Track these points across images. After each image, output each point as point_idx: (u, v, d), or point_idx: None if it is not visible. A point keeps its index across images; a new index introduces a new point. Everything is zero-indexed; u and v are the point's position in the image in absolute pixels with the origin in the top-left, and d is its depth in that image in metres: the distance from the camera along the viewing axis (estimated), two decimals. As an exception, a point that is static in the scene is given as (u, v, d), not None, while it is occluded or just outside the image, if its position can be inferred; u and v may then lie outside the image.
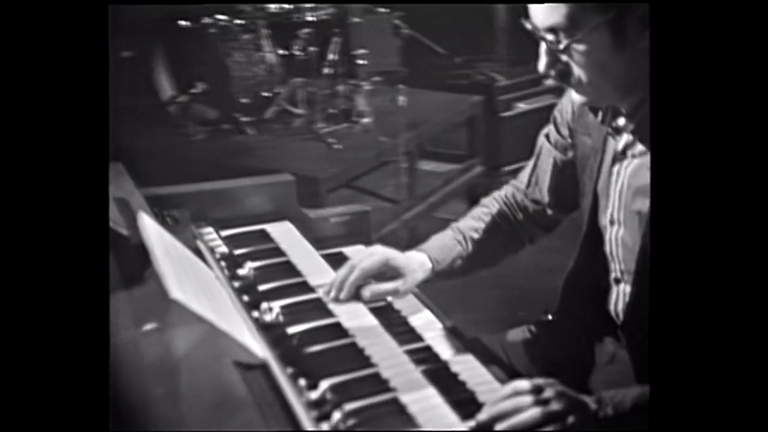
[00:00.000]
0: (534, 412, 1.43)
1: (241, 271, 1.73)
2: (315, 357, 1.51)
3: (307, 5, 4.59)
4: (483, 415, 1.44)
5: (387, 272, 1.75)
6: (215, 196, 2.04)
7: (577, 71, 1.52)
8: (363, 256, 1.75)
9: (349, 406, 1.37)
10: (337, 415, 1.30)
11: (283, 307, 1.64)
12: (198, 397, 1.16)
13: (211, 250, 1.78)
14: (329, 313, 1.67)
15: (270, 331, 1.53)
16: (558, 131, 1.83)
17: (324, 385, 1.36)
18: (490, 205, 1.94)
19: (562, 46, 1.49)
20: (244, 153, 4.34)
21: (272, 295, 1.71)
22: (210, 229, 1.94)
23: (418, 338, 1.71)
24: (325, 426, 1.28)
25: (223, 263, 1.74)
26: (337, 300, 1.69)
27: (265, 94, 4.59)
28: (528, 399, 1.44)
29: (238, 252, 1.88)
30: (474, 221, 1.91)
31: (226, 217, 2.01)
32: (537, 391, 1.46)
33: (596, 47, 1.47)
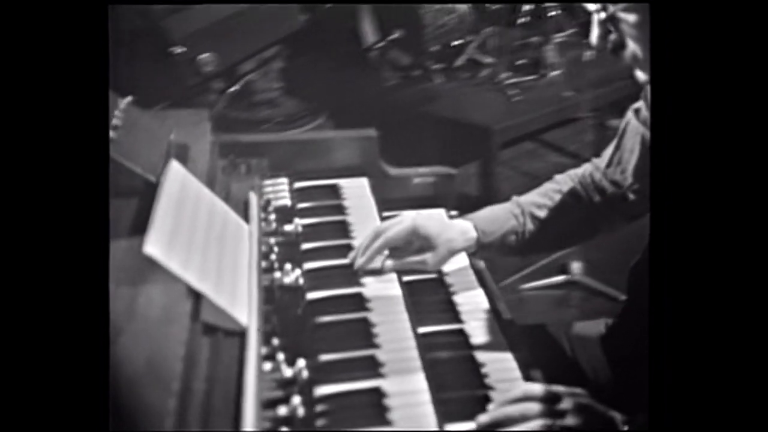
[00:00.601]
0: (540, 424, 1.21)
1: (288, 227, 1.60)
2: (315, 329, 1.36)
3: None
4: (485, 417, 1.25)
5: (415, 242, 1.55)
6: (297, 146, 1.91)
7: (632, 46, 1.26)
8: (390, 223, 1.56)
9: (321, 390, 1.22)
10: (296, 400, 1.14)
11: (308, 271, 1.50)
12: (127, 363, 1.05)
13: (267, 203, 1.66)
14: (356, 281, 1.50)
15: (283, 295, 1.39)
16: (649, 107, 1.51)
17: (301, 363, 1.21)
18: (562, 182, 1.67)
19: (604, 15, 1.25)
20: (429, 100, 4.23)
21: (312, 255, 1.58)
22: (283, 180, 1.83)
23: (456, 320, 1.51)
24: (282, 410, 1.13)
25: (273, 216, 1.62)
26: (358, 268, 1.52)
27: (456, 42, 4.39)
28: (537, 407, 1.23)
29: (301, 206, 1.75)
30: (539, 197, 1.65)
31: (306, 169, 1.89)
32: (552, 399, 1.24)
33: (648, 19, 1.20)
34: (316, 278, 1.49)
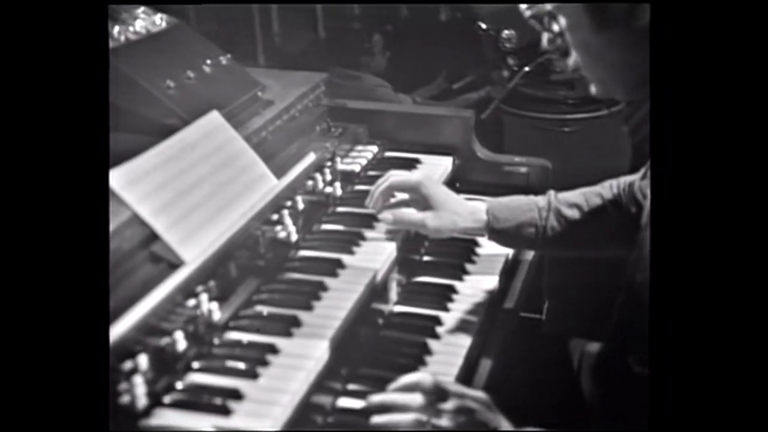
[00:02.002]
0: (415, 418, 1.10)
1: (328, 189, 1.60)
2: (275, 282, 1.36)
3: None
4: (376, 398, 1.17)
5: (417, 201, 1.49)
6: (398, 118, 1.88)
7: (573, 53, 1.15)
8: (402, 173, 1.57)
9: (227, 335, 1.24)
10: (178, 335, 1.17)
11: (323, 231, 1.52)
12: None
13: (330, 164, 1.66)
14: (350, 249, 1.45)
15: (265, 247, 1.40)
16: None
17: (215, 305, 1.23)
18: (606, 187, 1.48)
19: (529, 13, 1.17)
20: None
21: (340, 218, 1.57)
22: (373, 148, 1.81)
23: (441, 306, 1.41)
24: (165, 340, 1.16)
25: (324, 177, 1.62)
26: (368, 207, 1.53)
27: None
28: (420, 400, 1.12)
29: (369, 173, 1.73)
30: (575, 196, 1.48)
31: (402, 141, 1.85)
32: (440, 395, 1.12)
33: (575, 23, 1.10)
34: (321, 239, 1.49)
